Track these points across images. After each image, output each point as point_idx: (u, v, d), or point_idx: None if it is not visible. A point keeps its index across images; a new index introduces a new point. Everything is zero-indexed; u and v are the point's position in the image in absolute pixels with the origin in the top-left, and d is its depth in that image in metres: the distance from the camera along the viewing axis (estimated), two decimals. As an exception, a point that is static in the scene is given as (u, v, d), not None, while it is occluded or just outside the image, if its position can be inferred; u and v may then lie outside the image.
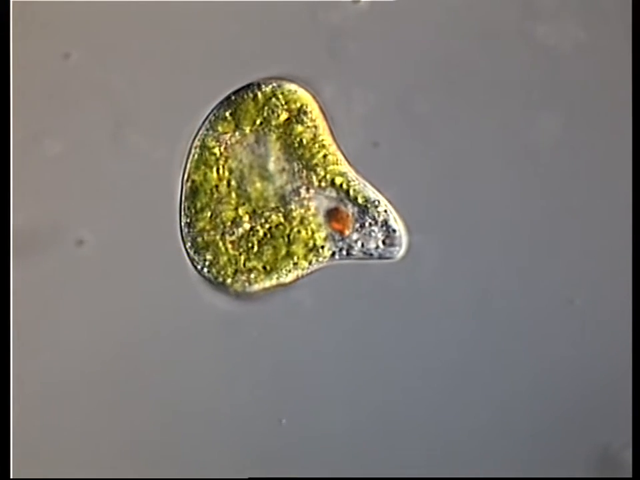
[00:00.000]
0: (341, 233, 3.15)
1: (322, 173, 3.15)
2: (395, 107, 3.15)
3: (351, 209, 3.16)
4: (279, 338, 3.14)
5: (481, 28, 3.15)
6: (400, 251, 3.15)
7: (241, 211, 3.14)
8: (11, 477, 2.94)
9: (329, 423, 3.13)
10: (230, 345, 3.14)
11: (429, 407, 3.12)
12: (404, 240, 3.15)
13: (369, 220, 3.15)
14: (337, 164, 3.16)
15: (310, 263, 3.16)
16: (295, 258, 3.15)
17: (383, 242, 3.15)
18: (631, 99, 3.07)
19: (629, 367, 3.02)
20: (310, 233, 3.15)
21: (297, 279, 3.17)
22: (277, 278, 3.16)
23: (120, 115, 3.15)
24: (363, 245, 3.15)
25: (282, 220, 3.13)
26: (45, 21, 3.15)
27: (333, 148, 3.16)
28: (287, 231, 3.13)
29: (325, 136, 3.16)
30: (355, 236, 3.16)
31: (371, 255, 3.16)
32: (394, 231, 3.15)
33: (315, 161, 3.14)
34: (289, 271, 3.16)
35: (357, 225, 3.17)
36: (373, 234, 3.16)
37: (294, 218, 3.14)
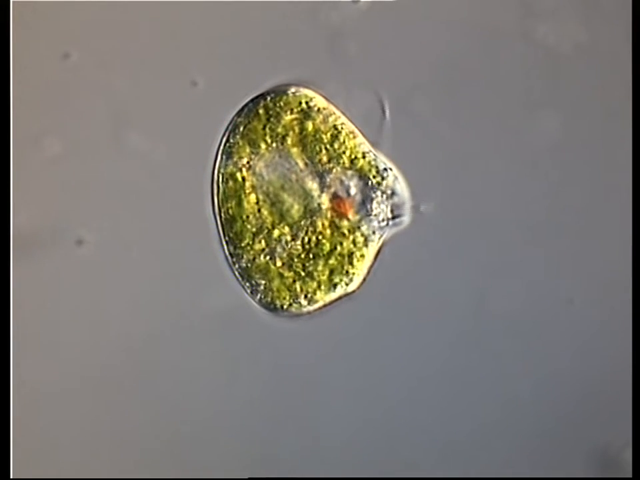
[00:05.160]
0: (344, 215, 3.13)
1: (345, 157, 3.13)
2: (395, 107, 3.15)
3: (365, 190, 3.13)
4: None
5: (481, 28, 3.15)
6: (406, 219, 3.14)
7: (280, 231, 3.12)
8: (11, 477, 2.95)
9: (329, 421, 3.13)
10: (229, 346, 3.14)
11: (428, 407, 3.12)
12: (407, 205, 3.14)
13: (376, 196, 3.13)
14: (355, 140, 3.13)
15: (353, 265, 3.14)
16: (343, 269, 3.13)
17: (391, 212, 3.14)
18: (631, 99, 3.07)
19: (629, 367, 3.02)
20: (351, 239, 3.13)
21: (362, 283, 3.15)
22: (340, 289, 3.14)
23: (120, 114, 3.15)
24: (379, 221, 3.14)
25: (319, 236, 3.11)
26: (45, 21, 3.15)
27: (348, 126, 3.14)
28: (327, 247, 3.12)
29: (338, 117, 3.14)
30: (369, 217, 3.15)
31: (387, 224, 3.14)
32: (396, 196, 3.13)
33: (336, 147, 3.12)
34: (351, 280, 3.14)
35: (361, 205, 3.14)
36: (378, 209, 3.13)
37: (326, 228, 3.12)
